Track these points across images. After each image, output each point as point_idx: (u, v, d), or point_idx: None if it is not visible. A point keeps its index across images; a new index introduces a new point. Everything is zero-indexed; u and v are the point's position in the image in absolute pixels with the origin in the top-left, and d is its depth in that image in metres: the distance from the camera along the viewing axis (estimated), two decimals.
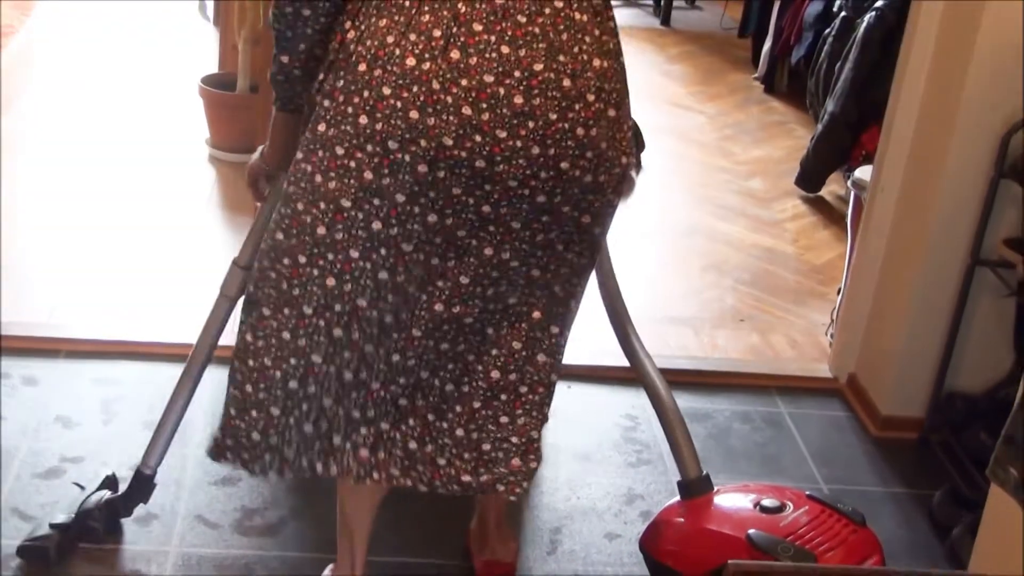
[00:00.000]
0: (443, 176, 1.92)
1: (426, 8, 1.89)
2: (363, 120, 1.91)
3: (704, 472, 2.58)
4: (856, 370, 3.40)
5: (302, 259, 2.02)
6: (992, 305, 3.10)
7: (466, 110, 1.88)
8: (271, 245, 2.07)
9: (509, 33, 1.89)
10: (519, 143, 1.91)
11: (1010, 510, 1.58)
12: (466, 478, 2.17)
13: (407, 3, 1.90)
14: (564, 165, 1.95)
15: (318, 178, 1.97)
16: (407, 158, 1.91)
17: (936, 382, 3.16)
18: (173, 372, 3.16)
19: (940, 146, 3.04)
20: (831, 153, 4.64)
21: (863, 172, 3.54)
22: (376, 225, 1.96)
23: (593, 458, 3.03)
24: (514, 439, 2.16)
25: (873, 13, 4.43)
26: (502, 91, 1.88)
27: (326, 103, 1.95)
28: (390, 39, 1.89)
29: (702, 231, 4.46)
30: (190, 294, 3.65)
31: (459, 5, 1.89)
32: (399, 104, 1.89)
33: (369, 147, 1.92)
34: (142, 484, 2.60)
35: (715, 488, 2.58)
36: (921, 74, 3.13)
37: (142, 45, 5.92)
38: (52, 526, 2.53)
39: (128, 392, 3.09)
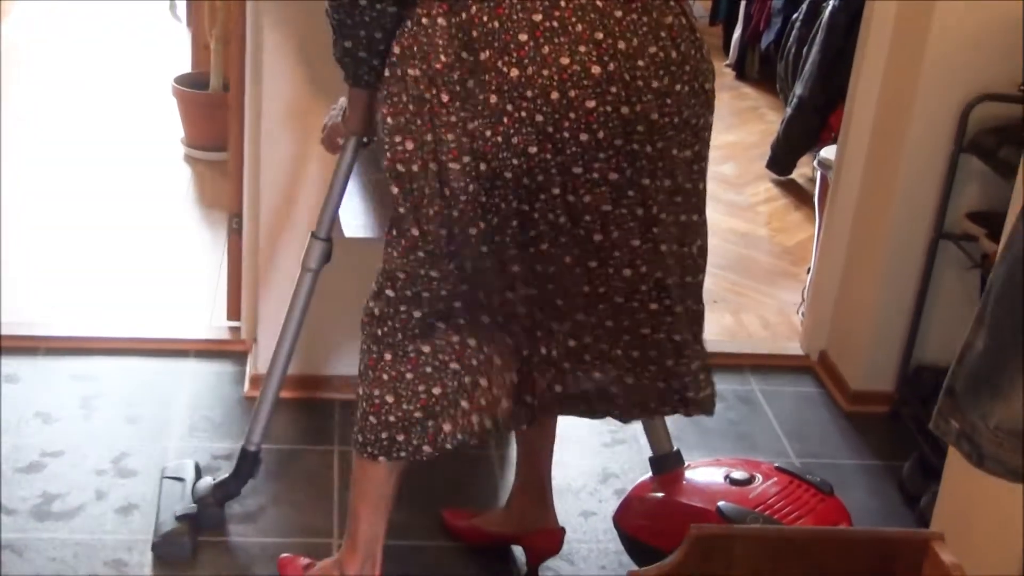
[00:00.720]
0: (662, 146, 2.00)
1: (575, 19, 1.95)
2: (584, 137, 1.97)
3: (675, 448, 2.63)
4: (826, 347, 3.45)
5: (472, 230, 2.05)
6: (957, 278, 3.15)
7: (654, 83, 1.97)
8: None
9: (639, 4, 1.98)
10: (688, 88, 2.01)
11: (968, 472, 1.62)
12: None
13: (556, 24, 1.95)
14: (708, 86, 2.07)
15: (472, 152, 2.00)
16: (635, 147, 1.99)
17: (904, 356, 3.22)
18: (150, 367, 3.24)
19: (901, 123, 3.09)
20: (800, 136, 4.69)
21: (828, 152, 3.59)
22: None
23: (568, 439, 3.05)
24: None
25: None
26: (663, 54, 1.97)
27: (535, 148, 1.98)
28: (565, 60, 1.94)
29: None
30: (167, 291, 3.69)
31: (597, 2, 1.96)
32: (609, 109, 1.96)
33: (601, 155, 1.99)
34: (249, 461, 2.66)
35: (686, 463, 2.62)
36: (881, 53, 3.18)
37: (114, 46, 5.94)
38: (178, 518, 2.59)
39: (106, 387, 3.13)
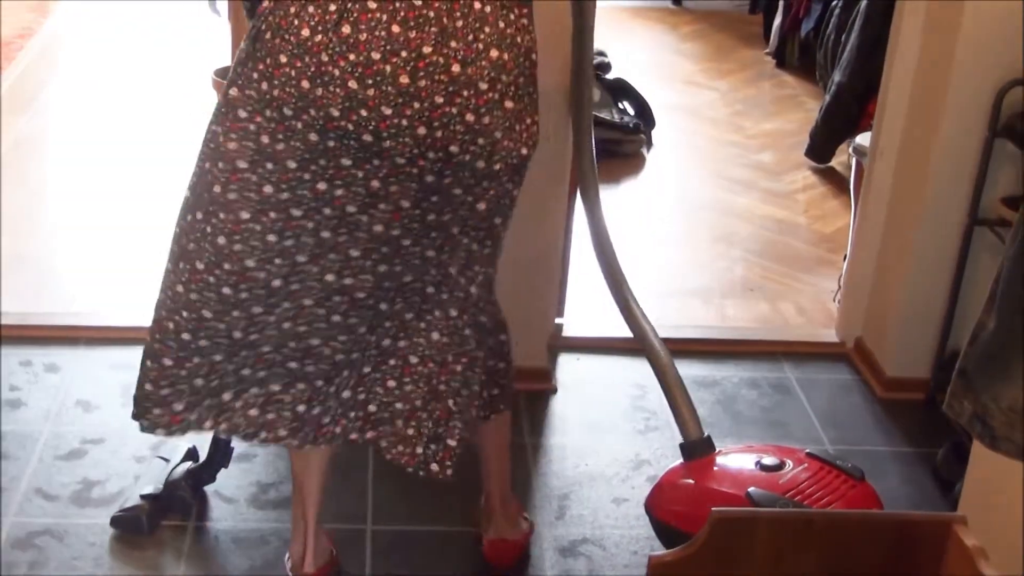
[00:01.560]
0: (333, 146, 1.98)
1: None
2: (264, 86, 1.97)
3: (706, 434, 2.64)
4: (862, 334, 3.44)
5: (199, 215, 2.10)
6: (992, 264, 3.10)
7: (352, 84, 1.93)
8: (183, 201, 2.16)
9: (402, 14, 1.92)
10: (404, 122, 1.95)
11: (992, 455, 1.63)
12: (353, 436, 2.28)
13: None
14: (453, 148, 1.99)
15: (220, 138, 2.04)
16: (299, 125, 1.97)
17: (940, 342, 3.20)
18: None
19: (935, 109, 3.08)
20: (839, 123, 4.66)
21: (863, 138, 3.57)
22: (268, 188, 2.03)
23: (601, 426, 3.08)
24: (398, 404, 2.25)
25: None
26: (388, 69, 1.93)
27: (238, 68, 2.02)
28: (292, 10, 1.94)
29: (712, 205, 4.50)
30: None
31: None
32: (293, 72, 1.95)
33: (267, 112, 1.98)
34: (220, 449, 2.73)
35: (717, 449, 2.63)
36: (915, 37, 3.16)
37: (156, 44, 5.99)
38: (143, 496, 2.65)
39: None
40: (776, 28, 6.04)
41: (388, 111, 1.94)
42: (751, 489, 2.43)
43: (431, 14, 1.93)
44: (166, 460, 2.76)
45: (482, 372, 2.29)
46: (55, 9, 6.21)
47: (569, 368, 3.31)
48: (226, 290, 2.12)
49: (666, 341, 2.72)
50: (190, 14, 6.22)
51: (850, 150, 3.85)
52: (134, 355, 3.20)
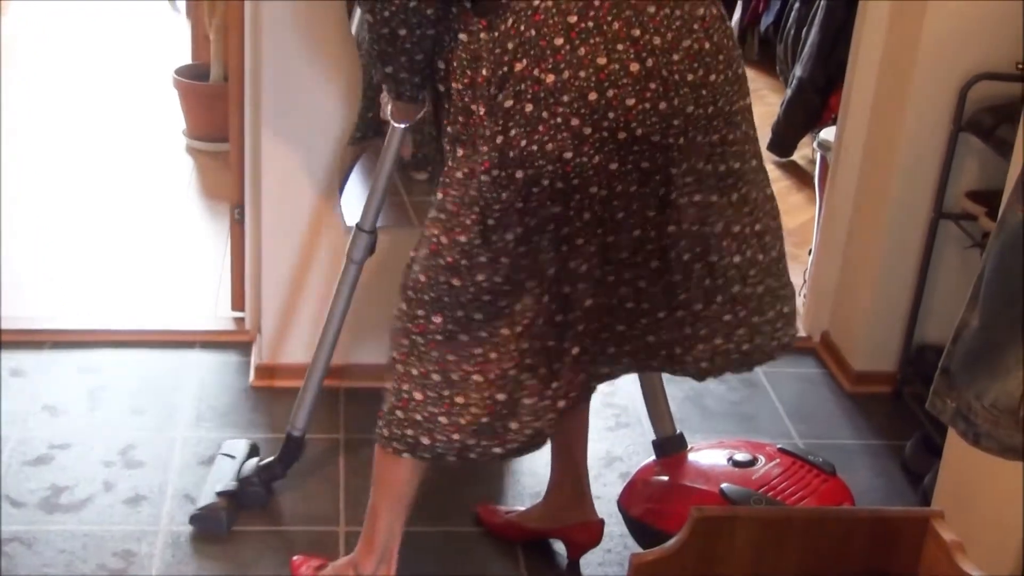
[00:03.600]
0: (693, 135, 2.02)
1: (611, 17, 1.94)
2: (623, 135, 1.97)
3: (678, 431, 2.64)
4: (829, 328, 3.46)
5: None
6: (958, 257, 3.16)
7: (690, 76, 1.99)
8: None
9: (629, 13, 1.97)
10: (720, 76, 2.03)
11: (967, 450, 1.64)
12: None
13: (591, 24, 1.94)
14: (740, 71, 2.08)
15: (603, 192, 2.02)
16: (671, 140, 2.01)
17: (906, 336, 3.23)
18: (156, 358, 3.26)
19: (899, 103, 3.10)
20: (801, 117, 4.70)
21: (828, 133, 3.59)
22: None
23: None
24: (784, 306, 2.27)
25: None
26: (698, 46, 1.99)
27: (570, 152, 1.97)
28: (602, 60, 1.93)
29: None
30: (171, 283, 3.71)
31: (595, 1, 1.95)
32: (648, 105, 1.97)
33: (636, 147, 1.99)
34: (293, 445, 2.74)
35: (689, 446, 2.64)
36: (879, 32, 3.18)
37: (114, 39, 5.95)
38: (218, 493, 2.65)
39: (112, 379, 3.15)
40: (735, 22, 6.06)
41: (713, 77, 2.02)
42: (724, 485, 2.44)
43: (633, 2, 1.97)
44: (232, 457, 2.76)
45: None
46: (7, 9, 6.15)
47: None
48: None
49: None
50: (149, 12, 6.19)
51: (814, 145, 3.87)
52: (100, 358, 3.23)
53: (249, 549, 2.59)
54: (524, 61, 1.94)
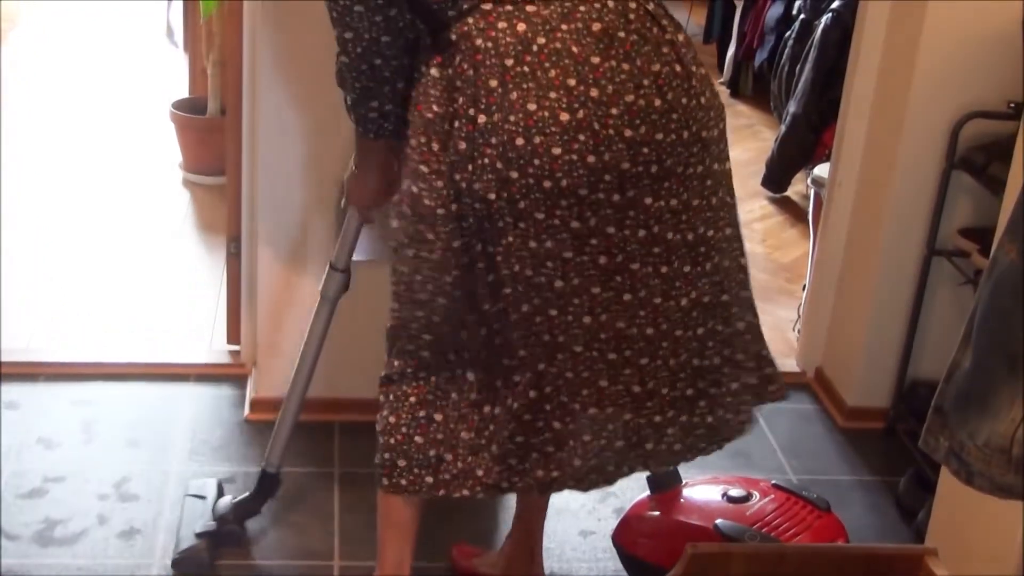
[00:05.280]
0: (634, 195, 2.00)
1: (548, 65, 1.95)
2: (548, 184, 1.96)
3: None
4: (822, 363, 3.47)
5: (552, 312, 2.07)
6: (951, 294, 3.17)
7: (627, 132, 1.96)
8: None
9: (621, 51, 1.97)
10: (673, 136, 2.00)
11: (961, 487, 1.64)
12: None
13: (527, 69, 1.95)
14: (704, 134, 2.05)
15: (532, 243, 2.00)
16: (602, 196, 1.98)
17: (899, 372, 3.24)
18: (151, 391, 3.26)
19: (892, 140, 3.12)
20: (795, 153, 4.72)
21: (821, 170, 3.62)
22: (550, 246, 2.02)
23: None
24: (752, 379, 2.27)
25: (829, 15, 4.51)
26: (643, 102, 1.97)
27: (494, 194, 1.97)
28: (532, 106, 1.94)
29: None
30: (166, 316, 3.71)
31: (572, 48, 1.95)
32: (575, 157, 1.95)
33: (564, 201, 1.97)
34: (268, 482, 2.72)
35: (683, 481, 2.64)
36: (872, 71, 3.21)
37: (111, 72, 5.97)
38: (197, 535, 2.64)
39: (107, 412, 3.15)
40: (730, 58, 6.10)
41: (660, 136, 1.99)
42: (719, 521, 2.45)
43: (636, 38, 1.98)
44: (203, 497, 2.75)
45: None
46: (7, 40, 6.18)
47: None
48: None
49: None
50: (146, 45, 6.22)
51: (808, 181, 3.89)
52: (95, 391, 3.23)
53: None
54: (461, 99, 1.97)
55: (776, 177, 4.85)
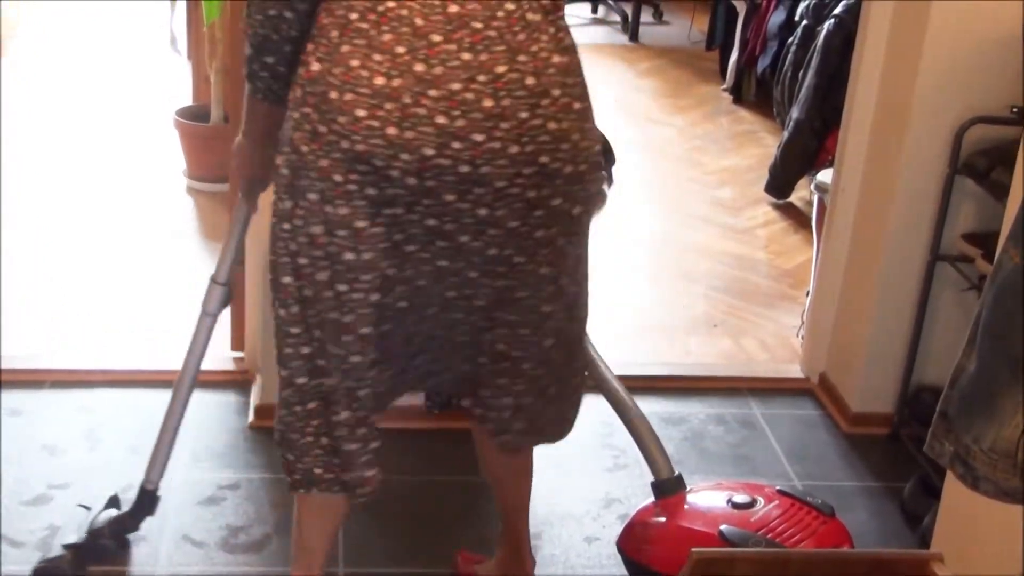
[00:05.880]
0: (433, 185, 1.98)
1: (385, 28, 1.95)
2: (345, 144, 1.96)
3: (676, 472, 2.65)
4: (826, 369, 3.47)
5: (342, 287, 2.06)
6: (954, 299, 3.17)
7: (440, 119, 1.94)
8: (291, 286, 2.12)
9: (468, 41, 1.95)
10: (497, 144, 1.96)
11: (967, 492, 1.64)
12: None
13: (366, 26, 1.96)
14: (544, 159, 2.00)
15: (328, 208, 2.01)
16: (395, 173, 1.96)
17: (904, 378, 3.23)
18: (154, 398, 3.24)
19: (895, 146, 3.12)
20: (798, 159, 4.72)
21: (825, 175, 3.62)
22: (379, 230, 2.02)
23: (570, 465, 3.08)
24: (506, 399, 2.23)
25: (832, 20, 4.52)
26: (471, 96, 1.94)
27: (306, 146, 1.99)
28: (355, 63, 1.95)
29: (674, 241, 4.53)
30: (170, 323, 3.71)
31: (416, 20, 1.95)
32: (376, 123, 1.94)
33: (361, 167, 1.97)
34: (147, 499, 2.69)
35: (688, 487, 2.64)
36: (875, 76, 3.21)
37: (114, 80, 5.97)
38: (65, 546, 2.60)
39: (111, 419, 3.15)
40: (732, 64, 6.10)
41: (480, 137, 1.95)
42: (724, 527, 2.44)
43: (493, 34, 1.96)
44: (88, 508, 2.72)
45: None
46: (8, 49, 6.18)
47: None
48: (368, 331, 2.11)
49: (632, 378, 2.74)
50: (150, 53, 6.22)
51: (811, 187, 3.89)
52: (99, 398, 3.23)
53: None
54: (309, 47, 2.00)
55: (779, 183, 4.85)
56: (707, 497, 2.61)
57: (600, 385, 2.68)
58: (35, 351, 3.47)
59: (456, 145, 1.95)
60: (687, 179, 5.13)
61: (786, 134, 4.75)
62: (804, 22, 4.93)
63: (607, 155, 5.26)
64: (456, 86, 1.94)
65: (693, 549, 1.73)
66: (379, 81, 1.93)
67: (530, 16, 2.00)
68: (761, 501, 2.54)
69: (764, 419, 3.34)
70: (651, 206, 4.86)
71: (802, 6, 4.98)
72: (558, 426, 2.35)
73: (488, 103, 1.95)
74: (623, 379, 2.72)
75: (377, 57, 1.94)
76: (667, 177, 5.17)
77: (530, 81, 1.98)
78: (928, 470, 2.95)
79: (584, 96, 2.08)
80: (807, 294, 3.75)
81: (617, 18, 7.45)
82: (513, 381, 2.22)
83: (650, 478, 2.67)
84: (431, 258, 2.06)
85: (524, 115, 1.97)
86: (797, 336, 3.77)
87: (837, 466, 3.17)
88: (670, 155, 5.40)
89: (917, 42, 3.01)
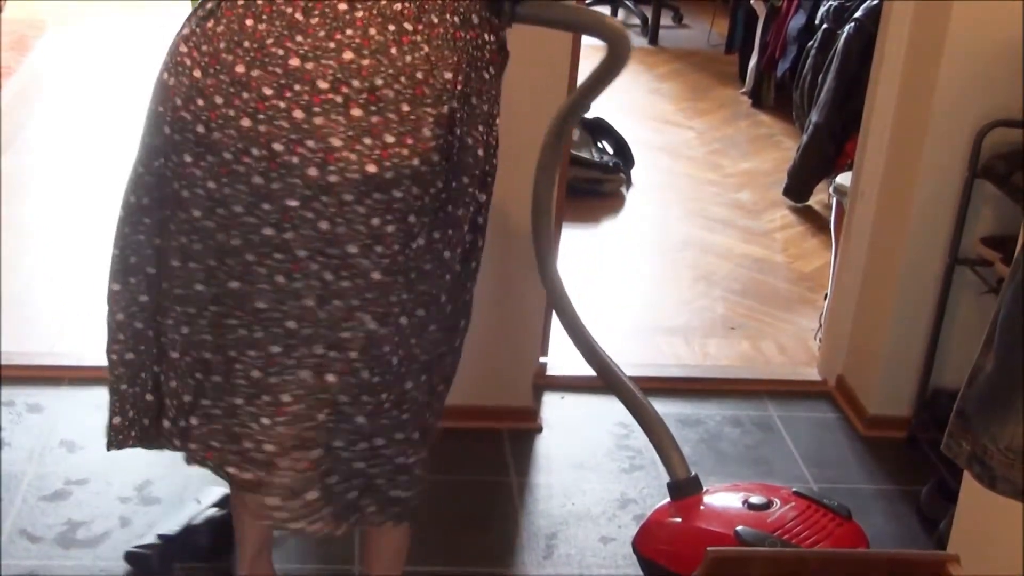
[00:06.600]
0: (179, 140, 1.96)
1: (264, 16, 1.89)
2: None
3: (693, 473, 2.65)
4: (844, 372, 3.47)
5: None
6: (973, 303, 3.17)
7: (196, 73, 1.91)
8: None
9: (259, 8, 1.89)
10: (231, 112, 1.87)
11: (984, 494, 1.64)
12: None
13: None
14: (277, 146, 1.86)
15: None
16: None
17: (921, 381, 3.23)
18: None
19: (915, 149, 3.12)
20: (817, 163, 4.72)
21: (844, 179, 3.61)
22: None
23: (587, 465, 3.09)
24: (269, 447, 2.04)
25: (852, 24, 4.51)
26: (229, 59, 1.88)
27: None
28: (221, 44, 1.90)
29: (693, 244, 4.53)
30: None
31: (297, 16, 1.87)
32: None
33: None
34: None
35: (704, 488, 2.64)
36: (894, 79, 3.21)
37: (139, 79, 5.99)
38: (159, 536, 2.62)
39: None
40: (752, 68, 6.10)
41: (219, 100, 1.88)
42: (740, 528, 2.44)
43: (288, 10, 1.87)
44: (198, 502, 2.74)
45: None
46: (34, 47, 6.21)
47: (554, 407, 3.33)
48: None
49: (649, 379, 2.74)
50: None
51: (830, 190, 3.89)
52: None
53: None
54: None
55: (798, 187, 4.85)
56: (723, 498, 2.61)
57: (612, 385, 2.68)
58: (54, 348, 3.49)
59: (199, 102, 1.92)
60: (706, 182, 5.13)
61: (805, 138, 4.75)
62: (824, 26, 4.92)
63: (625, 157, 5.30)
64: (221, 45, 1.91)
65: (709, 548, 1.74)
66: (240, 70, 1.87)
67: (342, 7, 1.89)
68: (777, 503, 2.53)
69: (781, 421, 3.34)
70: (670, 209, 4.86)
71: (822, 10, 4.97)
72: None
73: (239, 69, 1.88)
74: (640, 380, 2.72)
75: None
76: (686, 180, 5.16)
77: (293, 62, 1.87)
78: (945, 473, 2.95)
79: (383, 110, 1.88)
80: (825, 297, 3.74)
81: (637, 21, 7.45)
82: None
83: (666, 479, 2.67)
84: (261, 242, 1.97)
85: (268, 92, 1.87)
86: (815, 339, 3.76)
87: (854, 469, 3.17)
88: (689, 158, 5.40)
89: (937, 46, 3.01)
